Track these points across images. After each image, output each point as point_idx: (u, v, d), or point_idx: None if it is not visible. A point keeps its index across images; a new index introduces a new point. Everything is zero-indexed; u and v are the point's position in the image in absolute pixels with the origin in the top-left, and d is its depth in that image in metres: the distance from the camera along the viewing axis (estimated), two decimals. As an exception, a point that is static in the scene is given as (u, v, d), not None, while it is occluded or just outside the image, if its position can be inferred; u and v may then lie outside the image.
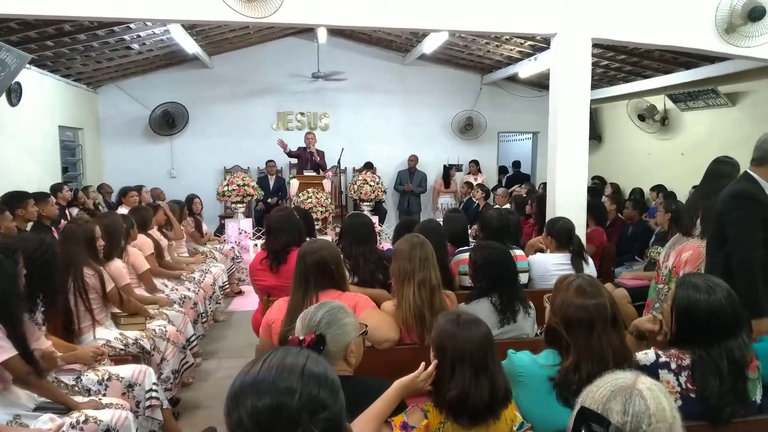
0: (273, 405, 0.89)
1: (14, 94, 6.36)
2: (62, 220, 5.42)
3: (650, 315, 2.19)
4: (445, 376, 1.71)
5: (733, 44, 4.69)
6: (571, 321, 1.81)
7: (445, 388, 1.69)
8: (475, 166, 9.95)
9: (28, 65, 6.17)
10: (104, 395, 2.68)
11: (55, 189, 6.43)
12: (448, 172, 9.99)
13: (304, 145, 8.66)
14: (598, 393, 1.06)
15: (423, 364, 1.79)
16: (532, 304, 2.84)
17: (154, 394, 2.88)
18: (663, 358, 1.86)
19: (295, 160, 8.91)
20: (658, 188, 7.48)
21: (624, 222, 6.28)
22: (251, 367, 0.97)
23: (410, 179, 9.86)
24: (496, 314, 2.69)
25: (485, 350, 1.71)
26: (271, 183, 9.17)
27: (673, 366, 1.84)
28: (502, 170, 10.83)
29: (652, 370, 1.82)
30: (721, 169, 3.51)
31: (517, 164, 10.60)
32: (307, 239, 3.56)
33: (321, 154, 8.68)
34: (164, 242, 5.05)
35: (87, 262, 3.18)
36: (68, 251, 3.13)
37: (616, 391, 1.05)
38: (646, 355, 1.87)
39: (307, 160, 8.51)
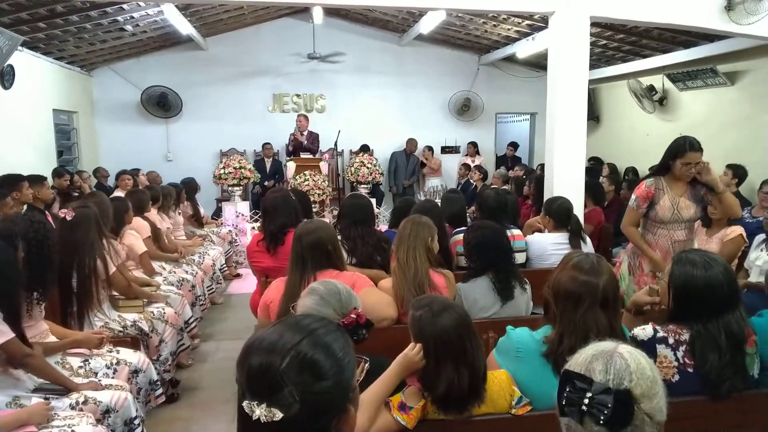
0: (262, 364, 0.90)
1: (7, 77, 6.29)
2: (55, 204, 5.40)
3: (647, 288, 2.19)
4: (430, 367, 1.72)
5: (734, 21, 4.64)
6: (559, 292, 1.81)
7: (434, 384, 1.70)
8: (472, 148, 9.92)
9: (20, 47, 6.10)
10: (112, 378, 2.69)
11: (56, 174, 6.42)
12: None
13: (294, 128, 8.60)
14: (580, 357, 1.10)
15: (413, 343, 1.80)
16: (527, 281, 2.87)
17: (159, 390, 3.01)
18: (661, 333, 1.86)
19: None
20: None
21: (621, 202, 6.27)
22: (269, 326, 1.00)
23: (407, 162, 9.84)
24: (494, 292, 2.71)
25: (462, 337, 1.72)
26: (268, 166, 9.14)
27: (671, 341, 1.85)
28: (500, 160, 10.66)
29: (649, 346, 1.83)
30: None
31: (514, 145, 10.45)
32: (304, 220, 3.56)
33: (315, 136, 8.63)
34: (164, 225, 5.03)
35: (99, 246, 3.17)
36: (84, 235, 3.10)
37: (597, 354, 1.09)
38: (644, 330, 1.87)
39: (297, 146, 8.46)
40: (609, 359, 1.07)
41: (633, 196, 3.42)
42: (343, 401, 0.95)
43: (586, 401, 1.02)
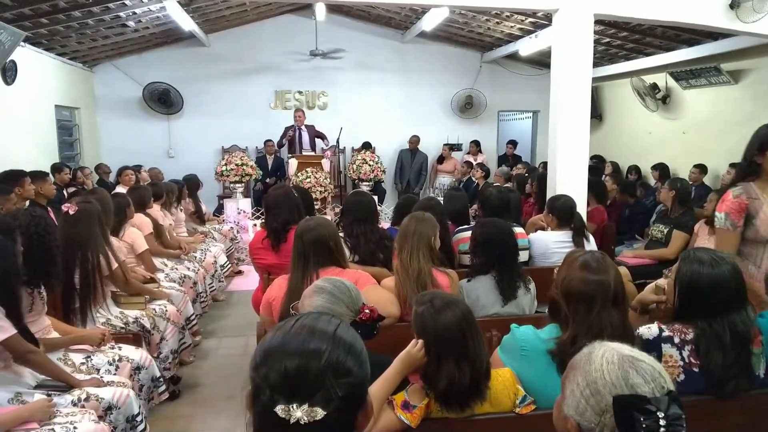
0: (300, 365, 0.91)
1: (9, 73, 6.28)
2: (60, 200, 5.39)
3: (652, 286, 2.18)
4: (431, 363, 1.72)
5: (741, 20, 4.61)
6: (571, 294, 1.79)
7: (435, 380, 1.70)
8: (475, 147, 9.89)
9: (22, 43, 6.09)
10: (114, 375, 2.69)
11: (56, 169, 6.40)
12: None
13: (291, 123, 8.63)
14: (609, 377, 1.04)
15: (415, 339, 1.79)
16: (532, 280, 2.86)
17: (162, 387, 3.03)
18: (666, 333, 1.85)
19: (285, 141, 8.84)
20: (660, 167, 7.43)
21: (622, 203, 6.28)
22: (283, 326, 1.00)
23: (411, 159, 9.83)
24: (497, 291, 2.70)
25: (464, 333, 1.71)
26: (270, 163, 9.12)
27: (677, 340, 1.84)
28: (501, 159, 10.61)
29: (654, 345, 1.82)
30: None
31: (513, 143, 10.41)
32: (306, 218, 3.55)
33: (311, 128, 8.67)
34: (166, 221, 5.02)
35: (101, 242, 3.17)
36: (85, 230, 3.10)
37: (622, 367, 1.05)
38: (650, 330, 1.86)
39: (293, 139, 8.46)
40: (635, 367, 1.04)
41: (719, 215, 2.56)
42: (365, 391, 1.00)
43: (663, 422, 0.97)
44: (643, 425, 0.98)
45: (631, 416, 0.98)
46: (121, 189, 5.79)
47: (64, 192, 6.28)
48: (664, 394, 1.01)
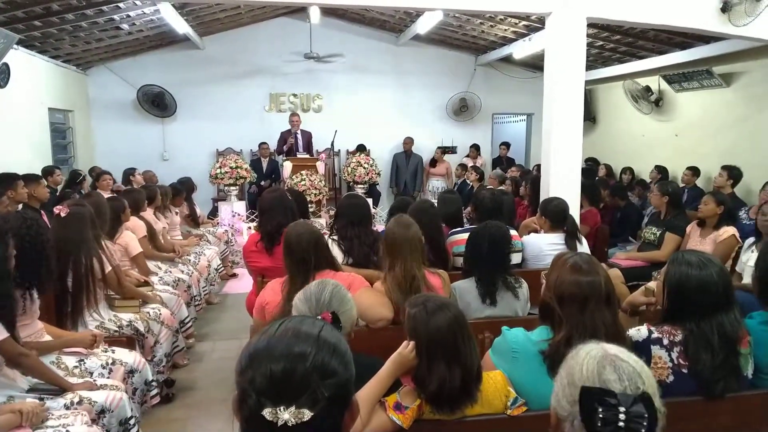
0: (286, 368, 0.92)
1: (2, 76, 6.25)
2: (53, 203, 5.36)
3: (642, 288, 2.20)
4: (423, 365, 1.72)
5: (733, 23, 4.65)
6: (564, 297, 1.81)
7: (425, 382, 1.71)
8: (475, 152, 9.89)
9: (15, 46, 6.07)
10: (107, 378, 2.67)
11: (47, 172, 6.37)
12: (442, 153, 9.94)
13: (288, 128, 8.64)
14: (585, 370, 1.08)
15: (407, 341, 1.80)
16: (525, 283, 2.86)
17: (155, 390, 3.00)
18: (655, 334, 1.87)
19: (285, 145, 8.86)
20: (662, 170, 7.44)
21: (617, 205, 6.31)
22: (268, 329, 1.02)
23: (406, 162, 9.84)
24: (477, 292, 2.72)
25: (456, 336, 1.72)
26: (264, 165, 9.12)
27: (666, 342, 1.85)
28: (495, 161, 10.63)
29: (644, 347, 1.84)
30: None
31: (507, 144, 10.43)
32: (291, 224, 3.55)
33: (308, 135, 8.68)
34: (159, 225, 5.01)
35: (94, 245, 3.16)
36: (78, 233, 3.09)
37: (600, 363, 1.08)
38: (639, 332, 1.88)
39: (292, 144, 8.48)
40: (614, 365, 1.06)
41: None
42: (351, 392, 1.01)
43: (623, 417, 0.99)
44: (601, 416, 1.00)
45: (593, 407, 1.01)
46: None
47: (58, 195, 6.26)
48: (637, 395, 1.02)
